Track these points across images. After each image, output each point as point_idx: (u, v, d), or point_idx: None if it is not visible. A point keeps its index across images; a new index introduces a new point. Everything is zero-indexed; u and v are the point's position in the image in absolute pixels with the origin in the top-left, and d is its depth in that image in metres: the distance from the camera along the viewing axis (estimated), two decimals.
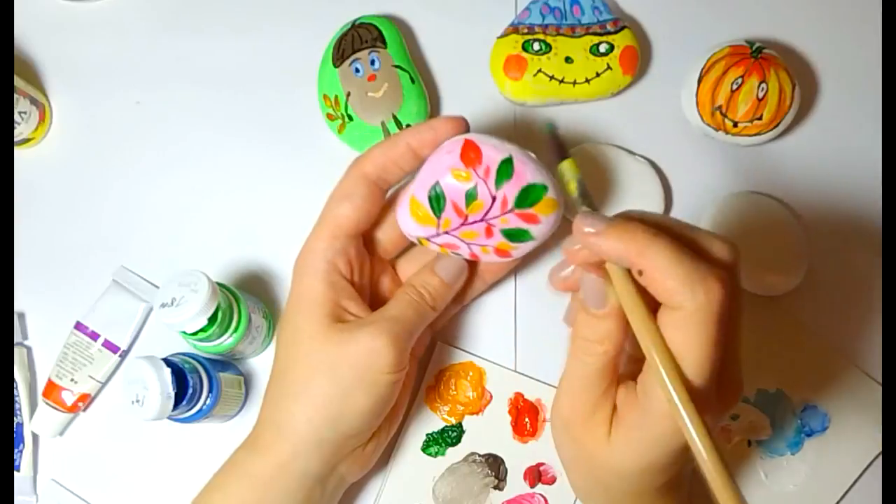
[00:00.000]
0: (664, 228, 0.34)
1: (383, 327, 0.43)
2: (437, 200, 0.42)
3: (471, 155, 0.41)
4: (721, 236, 0.36)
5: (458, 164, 0.41)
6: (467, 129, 0.43)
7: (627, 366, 0.39)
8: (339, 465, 0.45)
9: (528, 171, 0.41)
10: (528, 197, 0.41)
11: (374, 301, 0.47)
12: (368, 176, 0.44)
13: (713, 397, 0.34)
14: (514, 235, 0.43)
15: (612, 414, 0.37)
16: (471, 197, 0.41)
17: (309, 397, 0.43)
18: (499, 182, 0.41)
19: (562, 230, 0.55)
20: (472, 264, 0.49)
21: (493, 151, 0.41)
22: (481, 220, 0.42)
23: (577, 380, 0.37)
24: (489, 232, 0.43)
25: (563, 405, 0.38)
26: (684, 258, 0.33)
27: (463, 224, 0.43)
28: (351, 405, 0.43)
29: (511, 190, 0.41)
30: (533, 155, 0.42)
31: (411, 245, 0.50)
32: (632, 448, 0.36)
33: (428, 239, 0.44)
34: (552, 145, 0.42)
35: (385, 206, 0.47)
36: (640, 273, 0.34)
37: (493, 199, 0.41)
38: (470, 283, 0.50)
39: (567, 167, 0.40)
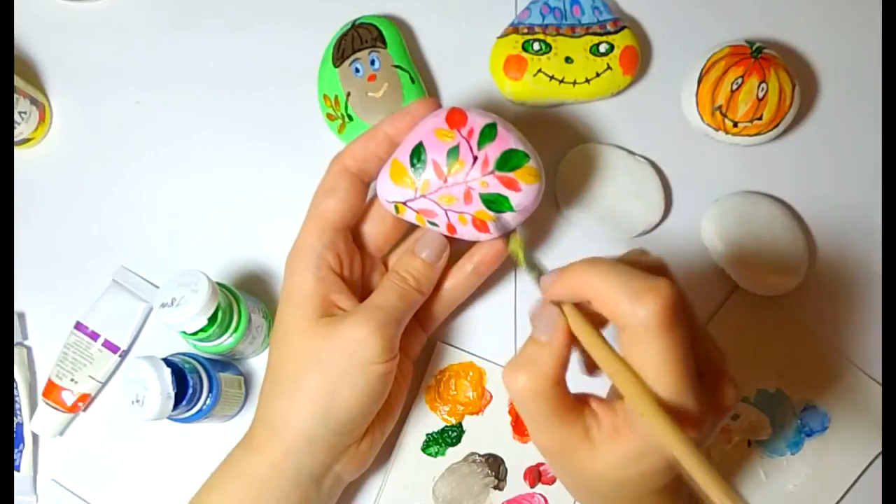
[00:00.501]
0: (601, 260, 0.35)
1: (367, 315, 0.43)
2: (417, 158, 0.42)
3: (456, 117, 0.42)
4: (657, 260, 0.37)
5: (443, 124, 0.42)
6: (440, 108, 0.44)
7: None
8: (335, 463, 0.45)
9: (511, 138, 0.42)
10: (509, 160, 0.42)
11: (366, 297, 0.47)
12: (350, 169, 0.45)
13: (694, 404, 0.33)
14: (493, 203, 0.43)
15: (586, 435, 0.36)
16: (452, 154, 0.42)
17: (300, 394, 0.43)
18: (481, 142, 0.42)
19: (559, 229, 0.55)
20: (454, 247, 0.49)
21: (479, 116, 0.42)
22: (461, 181, 0.42)
23: (533, 420, 0.37)
24: (468, 196, 0.43)
25: (537, 443, 0.38)
26: (619, 278, 0.33)
27: (442, 186, 0.43)
28: (340, 399, 0.43)
29: (493, 151, 0.42)
30: (520, 134, 0.42)
31: (401, 242, 0.50)
32: (622, 460, 0.35)
33: (405, 203, 0.44)
34: (497, 224, 0.43)
35: (371, 201, 0.47)
36: (590, 303, 0.34)
37: (475, 158, 0.42)
38: (467, 280, 0.49)
39: (515, 242, 0.41)
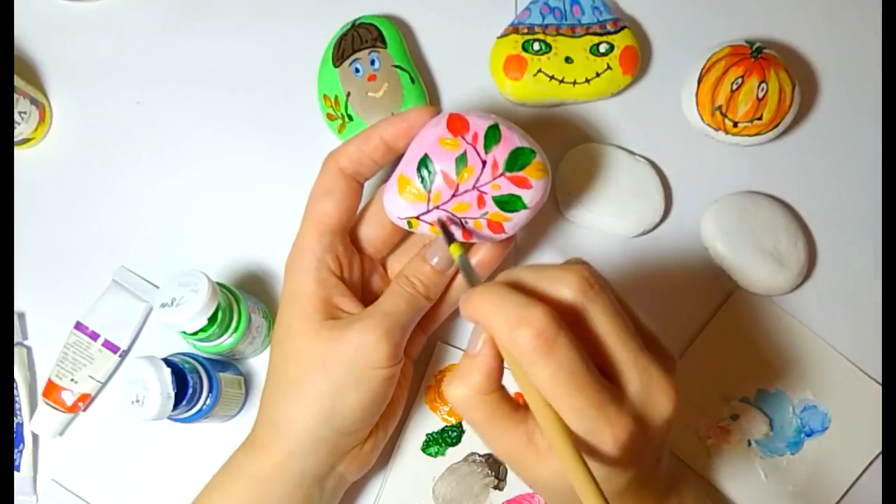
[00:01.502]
0: (515, 283, 0.35)
1: (376, 321, 0.43)
2: (426, 171, 0.42)
3: (457, 124, 0.42)
4: (562, 267, 0.36)
5: (446, 133, 0.41)
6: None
7: None
8: (338, 464, 0.45)
9: (515, 136, 0.42)
10: (518, 159, 0.42)
11: (367, 300, 0.47)
12: (345, 170, 0.44)
13: (600, 412, 0.33)
14: (507, 203, 0.43)
15: (531, 440, 0.36)
16: (461, 162, 0.41)
17: (304, 396, 0.43)
18: (487, 146, 0.41)
19: (559, 229, 0.55)
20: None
21: (479, 119, 0.42)
22: (472, 188, 0.42)
23: (478, 428, 0.37)
24: (481, 201, 0.43)
25: (486, 443, 0.38)
26: (499, 309, 0.33)
27: (454, 195, 0.42)
28: (345, 402, 0.43)
29: (500, 153, 0.41)
30: (521, 130, 0.42)
31: (400, 243, 0.49)
32: (550, 468, 0.35)
33: (418, 217, 0.44)
34: (443, 232, 0.43)
35: (369, 204, 0.47)
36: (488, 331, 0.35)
37: (484, 163, 0.41)
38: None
39: (454, 250, 0.41)
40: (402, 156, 0.44)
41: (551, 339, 0.32)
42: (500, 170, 0.42)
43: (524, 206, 0.43)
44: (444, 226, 0.42)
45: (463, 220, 0.44)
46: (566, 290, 0.35)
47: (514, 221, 0.44)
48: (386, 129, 0.43)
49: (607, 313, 0.35)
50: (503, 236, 0.45)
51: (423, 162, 0.42)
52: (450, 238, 0.41)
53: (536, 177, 0.42)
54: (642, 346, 0.35)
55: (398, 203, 0.43)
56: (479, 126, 0.42)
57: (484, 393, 0.36)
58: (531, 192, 0.42)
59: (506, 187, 0.42)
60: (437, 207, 0.43)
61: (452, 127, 0.42)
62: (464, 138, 0.41)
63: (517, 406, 0.37)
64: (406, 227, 0.45)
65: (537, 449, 0.36)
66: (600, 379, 0.34)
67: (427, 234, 0.45)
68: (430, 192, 0.42)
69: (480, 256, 0.48)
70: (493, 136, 0.41)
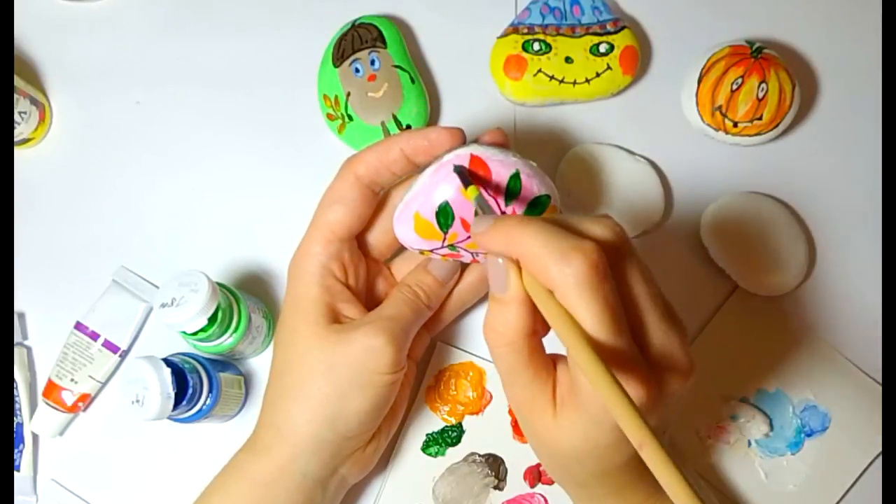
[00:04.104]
0: (531, 220, 0.35)
1: (380, 326, 0.43)
2: (444, 217, 0.41)
3: (479, 172, 0.41)
4: (598, 217, 0.36)
5: (468, 181, 0.40)
6: (464, 140, 0.42)
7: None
8: (340, 466, 0.45)
9: (534, 185, 0.41)
10: (535, 209, 0.42)
11: (370, 302, 0.47)
12: (361, 179, 0.44)
13: (634, 355, 0.33)
14: None
15: (553, 397, 0.36)
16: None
17: (307, 399, 0.43)
18: (508, 200, 0.41)
19: None
20: (465, 264, 0.49)
21: (501, 168, 0.41)
22: None
23: (505, 374, 0.37)
24: None
25: (509, 398, 0.38)
26: (546, 239, 0.33)
27: (469, 237, 0.42)
28: (349, 406, 0.43)
29: (519, 206, 0.41)
30: (534, 164, 0.42)
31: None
32: (576, 429, 0.35)
33: (431, 251, 0.44)
34: (459, 178, 0.41)
35: (378, 208, 0.46)
36: (523, 265, 0.34)
37: (503, 213, 0.41)
38: (475, 287, 0.50)
39: (471, 192, 0.40)
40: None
41: (602, 273, 0.32)
42: None
43: None
44: (461, 172, 0.41)
45: (474, 254, 0.44)
46: (609, 233, 0.34)
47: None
48: (407, 143, 0.42)
49: (642, 268, 0.35)
50: None
51: (444, 209, 0.41)
52: (466, 183, 0.40)
53: None
54: (666, 311, 0.35)
55: (412, 238, 0.43)
56: (501, 176, 0.41)
57: (523, 335, 0.35)
58: None
59: None
60: (452, 245, 0.43)
61: (474, 175, 0.41)
62: (486, 190, 0.41)
63: (548, 359, 0.36)
64: (417, 252, 0.45)
65: (555, 407, 0.35)
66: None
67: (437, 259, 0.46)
68: (446, 234, 0.42)
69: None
70: (513, 187, 0.41)
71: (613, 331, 0.32)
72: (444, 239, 0.43)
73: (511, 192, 0.41)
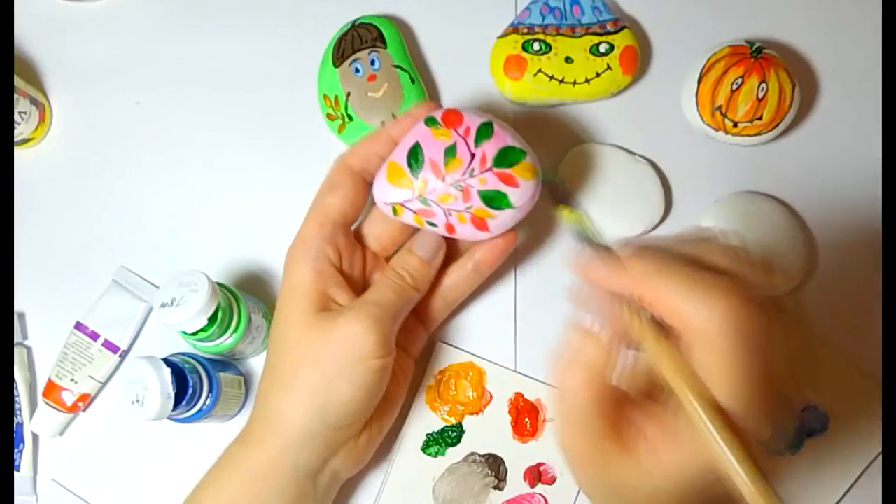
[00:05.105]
0: (666, 252, 0.32)
1: (363, 311, 0.43)
2: (415, 158, 0.43)
3: (451, 117, 0.43)
4: (719, 242, 0.33)
5: (439, 124, 0.43)
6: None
7: (639, 381, 0.36)
8: (332, 459, 0.45)
9: (507, 135, 0.43)
10: (506, 157, 0.42)
11: None
12: (353, 168, 0.46)
13: (754, 419, 0.30)
14: (492, 200, 0.43)
15: (629, 435, 0.34)
16: (450, 153, 0.42)
17: (296, 389, 0.43)
18: (478, 140, 0.42)
19: (559, 229, 0.55)
20: (455, 246, 0.49)
21: (474, 115, 0.43)
22: (459, 180, 0.43)
23: (573, 423, 0.34)
24: (466, 194, 0.43)
25: (568, 437, 0.35)
26: (684, 282, 0.30)
27: (440, 185, 0.43)
28: (337, 394, 0.43)
29: (490, 148, 0.42)
30: (513, 130, 0.43)
31: (406, 242, 0.50)
32: (665, 469, 0.32)
33: (403, 205, 0.44)
34: (558, 195, 0.41)
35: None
36: (650, 305, 0.32)
37: (472, 156, 0.42)
38: (468, 279, 0.49)
39: (572, 214, 0.39)
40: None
41: (755, 317, 0.28)
42: (488, 164, 0.42)
43: (510, 205, 0.43)
44: (555, 189, 0.41)
45: (446, 212, 0.44)
46: (706, 312, 0.29)
47: (499, 220, 0.44)
48: (394, 128, 0.45)
49: (734, 364, 0.30)
50: (487, 235, 0.45)
51: (414, 150, 0.43)
52: (562, 200, 0.40)
53: (525, 177, 0.43)
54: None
55: (385, 188, 0.44)
56: (473, 121, 0.43)
57: (606, 383, 0.32)
58: (518, 192, 0.43)
59: (492, 183, 0.42)
60: (423, 196, 0.43)
61: (446, 119, 0.43)
62: (456, 130, 0.42)
63: (623, 400, 0.34)
64: (391, 213, 0.45)
65: (632, 454, 0.33)
66: None
67: (412, 224, 0.46)
68: (416, 179, 0.43)
69: (480, 255, 0.48)
70: (485, 131, 0.42)
71: (742, 389, 0.29)
72: (415, 187, 0.43)
73: (481, 134, 0.42)
